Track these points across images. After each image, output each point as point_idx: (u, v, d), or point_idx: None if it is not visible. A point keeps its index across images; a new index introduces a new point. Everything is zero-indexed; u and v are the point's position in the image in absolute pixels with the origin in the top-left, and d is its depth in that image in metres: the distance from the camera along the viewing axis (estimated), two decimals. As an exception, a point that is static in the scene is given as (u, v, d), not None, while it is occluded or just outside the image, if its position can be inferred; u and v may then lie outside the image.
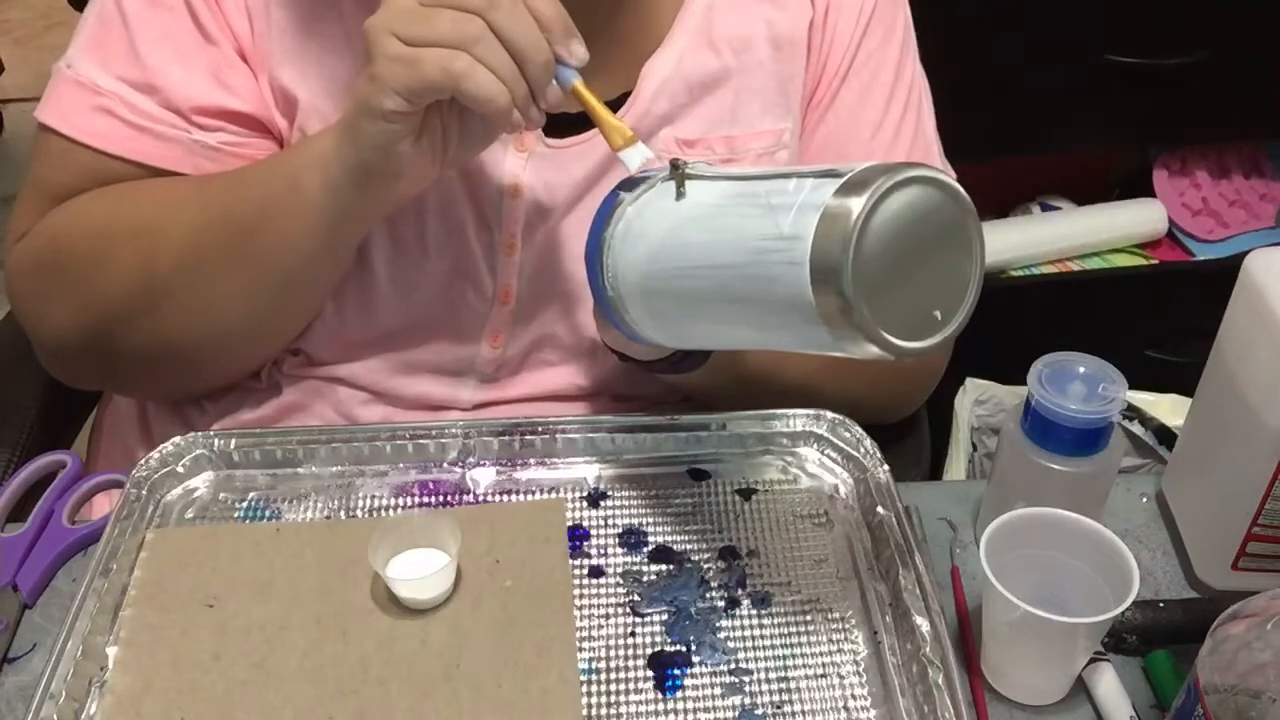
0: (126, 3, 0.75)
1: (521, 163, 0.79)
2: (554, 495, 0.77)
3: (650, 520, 0.75)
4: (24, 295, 0.80)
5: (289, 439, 0.78)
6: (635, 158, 0.66)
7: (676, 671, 0.66)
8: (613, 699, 0.65)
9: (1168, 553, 0.78)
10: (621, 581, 0.71)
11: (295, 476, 0.78)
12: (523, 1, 0.63)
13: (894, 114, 0.85)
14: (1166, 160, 1.63)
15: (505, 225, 0.80)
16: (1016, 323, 1.21)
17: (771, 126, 0.83)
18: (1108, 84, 1.46)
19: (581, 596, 0.70)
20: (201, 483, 0.77)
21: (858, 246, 0.52)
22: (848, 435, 0.79)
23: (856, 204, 0.52)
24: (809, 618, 0.69)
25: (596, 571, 0.72)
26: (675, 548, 0.73)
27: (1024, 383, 0.71)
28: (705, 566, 0.72)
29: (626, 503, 0.76)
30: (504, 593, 0.69)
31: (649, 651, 0.67)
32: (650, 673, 0.66)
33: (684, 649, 0.68)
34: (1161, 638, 0.70)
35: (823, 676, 0.66)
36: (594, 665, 0.67)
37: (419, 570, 0.68)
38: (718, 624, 0.69)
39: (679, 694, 0.65)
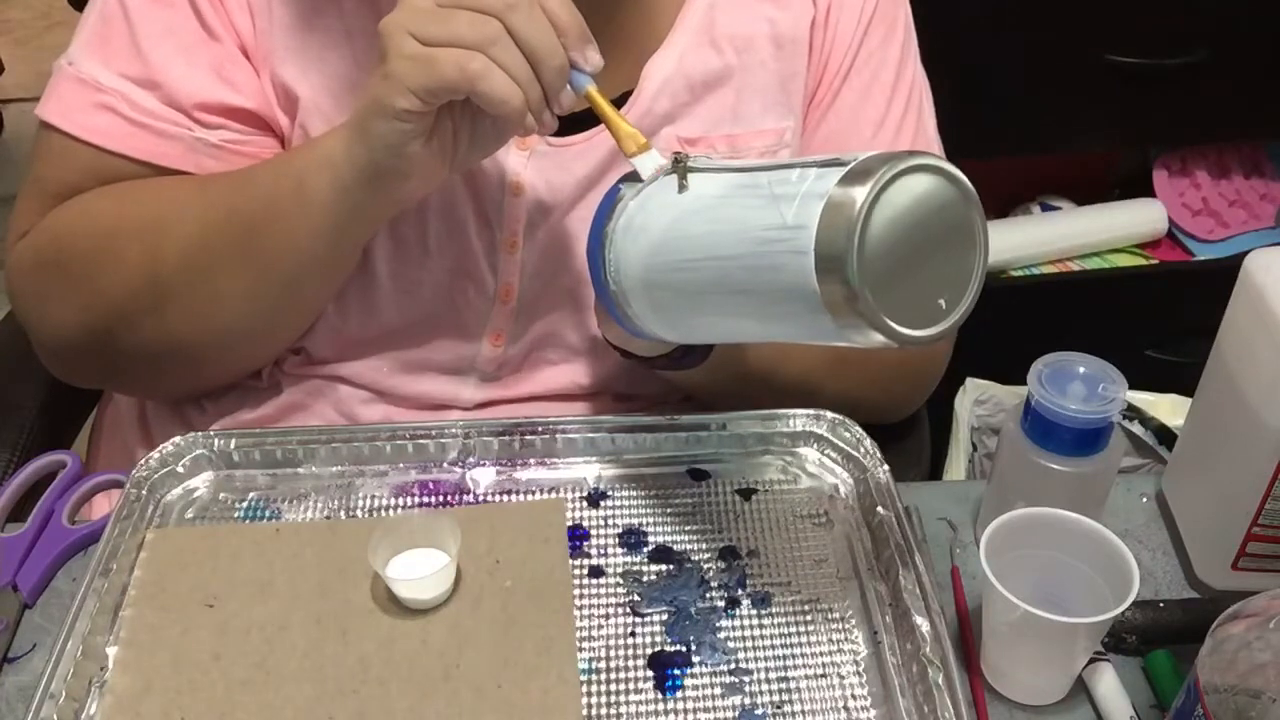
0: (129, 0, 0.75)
1: (523, 161, 0.79)
2: (554, 495, 0.77)
3: (650, 520, 0.75)
4: (26, 294, 0.80)
5: (289, 439, 0.78)
6: (649, 164, 0.66)
7: (676, 671, 0.66)
8: (613, 699, 0.65)
9: (1168, 553, 0.78)
10: (621, 581, 0.71)
11: (295, 476, 0.78)
12: (540, 5, 0.63)
13: (895, 113, 0.86)
14: (1166, 160, 1.63)
15: (507, 224, 0.80)
16: (1016, 323, 1.21)
17: (773, 125, 0.83)
18: (1108, 84, 1.46)
19: (581, 596, 0.70)
20: (201, 483, 0.77)
21: (862, 235, 0.52)
22: (848, 435, 0.79)
23: (860, 193, 0.52)
24: (809, 618, 0.69)
25: (596, 571, 0.72)
26: (675, 548, 0.73)
27: (1024, 383, 0.71)
28: (705, 566, 0.72)
29: (626, 503, 0.76)
30: (504, 593, 0.69)
31: (649, 651, 0.67)
32: (650, 673, 0.66)
33: (684, 649, 0.68)
34: (1161, 638, 0.70)
35: (823, 676, 0.66)
36: (594, 665, 0.67)
37: (419, 570, 0.68)
38: (718, 624, 0.69)
39: (679, 694, 0.65)
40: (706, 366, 0.76)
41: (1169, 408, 1.17)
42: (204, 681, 0.65)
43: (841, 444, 0.79)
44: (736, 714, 0.64)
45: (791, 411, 0.80)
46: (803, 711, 0.64)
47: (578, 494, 0.77)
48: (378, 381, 0.83)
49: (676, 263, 0.62)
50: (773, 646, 0.68)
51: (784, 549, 0.74)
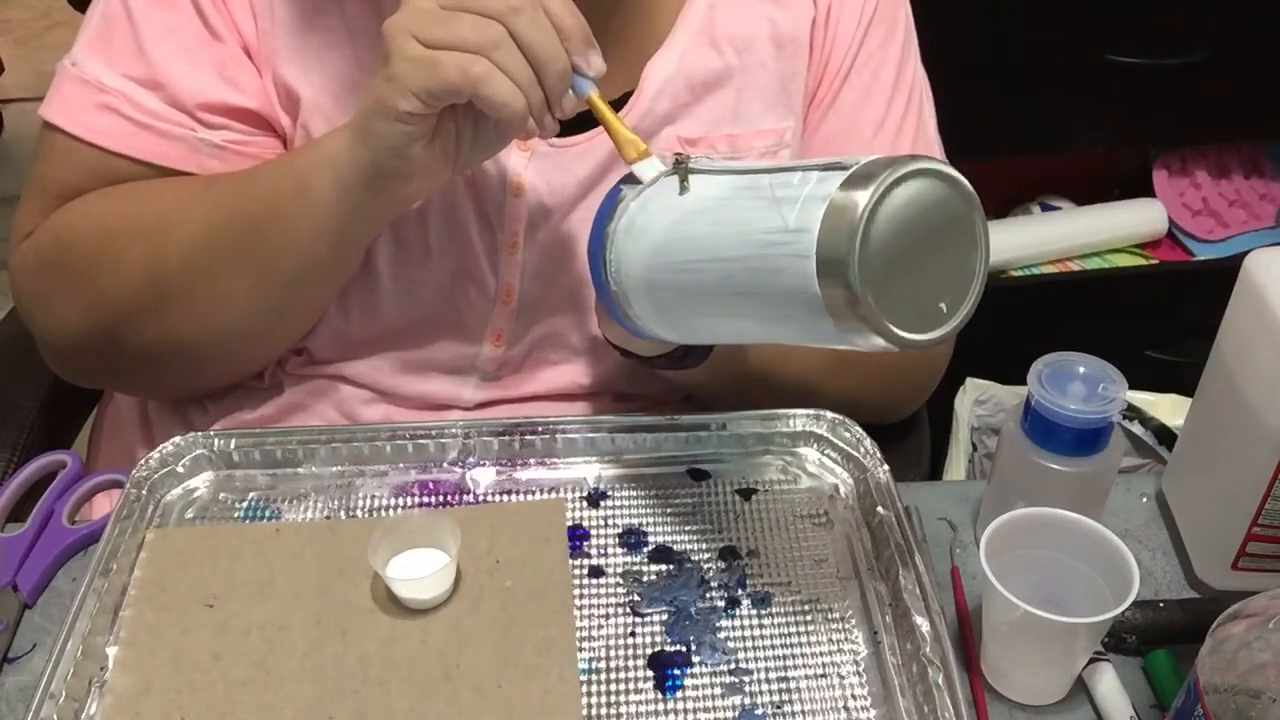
0: (132, 0, 0.76)
1: (524, 162, 0.79)
2: (554, 495, 0.77)
3: (650, 520, 0.75)
4: (29, 294, 0.80)
5: (289, 439, 0.78)
6: (649, 171, 0.66)
7: (676, 671, 0.66)
8: (613, 699, 0.65)
9: (1168, 553, 0.78)
10: (621, 581, 0.71)
11: (295, 476, 0.78)
12: (543, 9, 0.63)
13: (895, 113, 0.86)
14: (1166, 160, 1.63)
15: (508, 224, 0.80)
16: (1016, 323, 1.21)
17: (773, 125, 0.83)
18: (1108, 84, 1.46)
19: (581, 596, 0.70)
20: (201, 483, 0.77)
21: (864, 239, 0.52)
22: (848, 435, 0.79)
23: (862, 196, 0.52)
24: (809, 618, 0.69)
25: (596, 571, 0.72)
26: (675, 548, 0.73)
27: (1024, 383, 0.71)
28: (705, 566, 0.72)
29: (626, 503, 0.76)
30: (504, 593, 0.69)
31: (649, 651, 0.67)
32: (650, 673, 0.66)
33: (684, 649, 0.68)
34: (1161, 638, 0.70)
35: (823, 676, 0.66)
36: (594, 665, 0.67)
37: (419, 570, 0.68)
38: (718, 624, 0.69)
39: (679, 694, 0.65)
40: (707, 366, 0.76)
41: (1169, 408, 1.17)
42: (204, 681, 0.65)
43: (841, 444, 0.79)
44: (736, 714, 0.64)
45: (791, 411, 0.80)
46: (803, 711, 0.64)
47: (578, 494, 0.77)
48: (379, 381, 0.83)
49: (678, 264, 0.62)
50: (773, 646, 0.68)
51: (784, 549, 0.74)
